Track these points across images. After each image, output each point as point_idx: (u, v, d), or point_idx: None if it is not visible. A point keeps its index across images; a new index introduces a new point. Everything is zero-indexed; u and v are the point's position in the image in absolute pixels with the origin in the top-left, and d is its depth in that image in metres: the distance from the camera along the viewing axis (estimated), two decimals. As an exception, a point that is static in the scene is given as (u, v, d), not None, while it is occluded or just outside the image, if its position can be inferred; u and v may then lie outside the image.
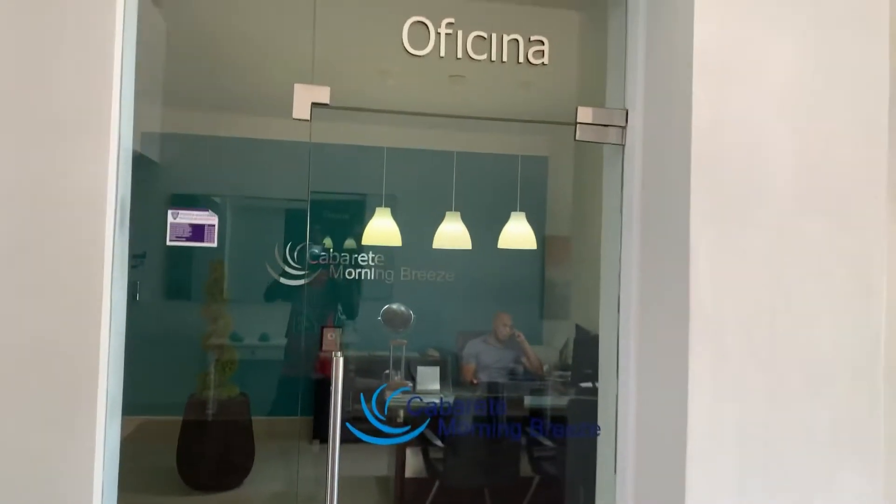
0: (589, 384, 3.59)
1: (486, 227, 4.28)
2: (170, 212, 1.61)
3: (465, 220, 4.18)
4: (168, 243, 1.59)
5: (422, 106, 2.03)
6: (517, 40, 1.85)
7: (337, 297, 4.64)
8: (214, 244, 1.62)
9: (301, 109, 1.70)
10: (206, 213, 1.61)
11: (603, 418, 1.94)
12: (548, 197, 5.10)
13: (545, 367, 4.27)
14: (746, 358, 1.55)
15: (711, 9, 1.58)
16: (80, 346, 1.50)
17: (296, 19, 2.24)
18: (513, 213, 4.22)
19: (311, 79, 1.75)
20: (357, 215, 4.76)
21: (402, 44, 1.78)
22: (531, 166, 4.91)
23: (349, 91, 1.83)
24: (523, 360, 4.22)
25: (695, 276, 1.55)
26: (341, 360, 1.69)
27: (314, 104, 1.71)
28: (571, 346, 4.25)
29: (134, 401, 1.73)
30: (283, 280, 4.76)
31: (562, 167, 4.96)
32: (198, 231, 1.61)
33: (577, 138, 1.90)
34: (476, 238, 4.15)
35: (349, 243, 4.41)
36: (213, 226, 1.63)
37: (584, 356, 3.77)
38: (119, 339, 1.64)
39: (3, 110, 1.49)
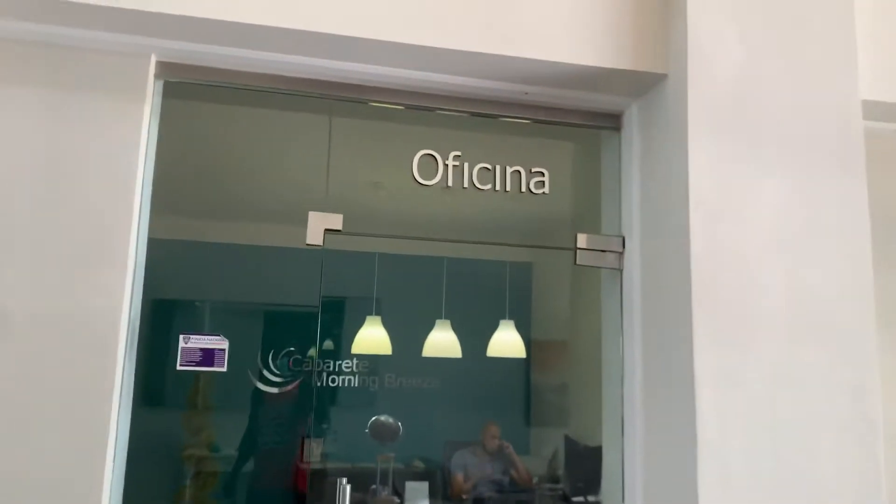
0: (581, 499, 3.51)
1: (475, 333, 4.29)
2: (181, 336, 1.62)
3: (454, 326, 4.19)
4: (178, 368, 1.59)
5: (427, 228, 2.10)
6: (519, 171, 1.96)
7: (322, 405, 4.55)
8: (224, 369, 1.62)
9: (315, 236, 1.75)
10: (218, 337, 1.61)
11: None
12: (533, 304, 5.15)
13: (534, 479, 4.16)
14: (754, 490, 1.56)
15: (704, 147, 1.69)
16: (84, 477, 1.47)
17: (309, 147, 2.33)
18: (501, 322, 4.26)
19: (324, 205, 1.82)
20: (348, 321, 4.74)
21: (412, 174, 1.87)
22: (518, 273, 4.99)
23: (358, 214, 1.89)
24: (512, 472, 4.12)
25: (700, 404, 1.57)
26: (348, 487, 1.66)
27: (327, 230, 1.77)
28: (561, 456, 4.17)
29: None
30: (262, 386, 4.66)
31: (546, 273, 5.05)
32: (208, 355, 1.61)
33: (576, 263, 1.98)
34: (465, 345, 4.15)
35: (337, 350, 4.37)
36: (224, 350, 1.63)
37: (576, 468, 3.70)
38: (120, 472, 1.60)
39: (28, 239, 1.52)
